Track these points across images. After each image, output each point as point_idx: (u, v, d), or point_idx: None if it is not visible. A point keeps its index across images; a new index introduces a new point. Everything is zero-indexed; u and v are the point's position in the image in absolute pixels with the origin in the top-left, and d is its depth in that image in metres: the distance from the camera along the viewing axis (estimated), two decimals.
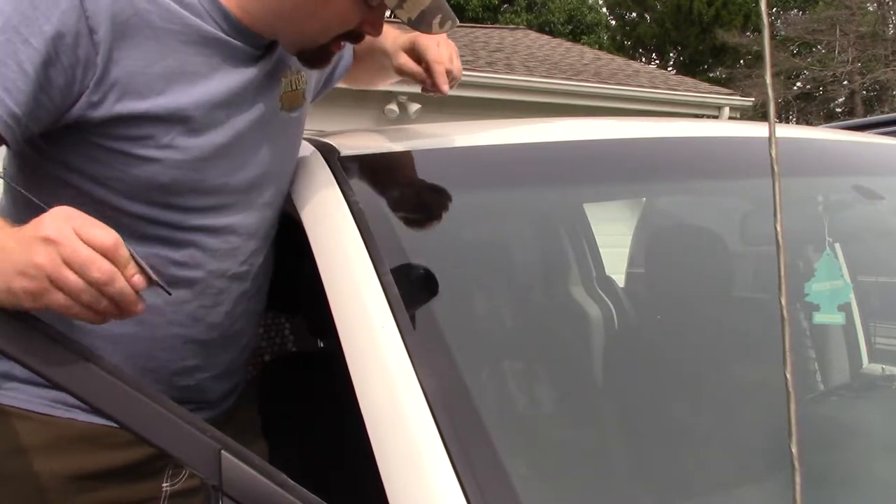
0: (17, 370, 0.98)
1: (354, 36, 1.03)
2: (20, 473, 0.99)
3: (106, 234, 0.73)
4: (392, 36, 1.22)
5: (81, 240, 0.72)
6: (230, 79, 0.98)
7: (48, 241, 0.71)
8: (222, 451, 0.60)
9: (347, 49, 1.28)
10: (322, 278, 0.93)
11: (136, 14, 0.90)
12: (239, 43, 0.99)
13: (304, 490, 0.62)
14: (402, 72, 1.21)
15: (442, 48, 1.18)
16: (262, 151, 1.05)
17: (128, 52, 0.90)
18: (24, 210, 0.94)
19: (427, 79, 1.18)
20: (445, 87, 1.17)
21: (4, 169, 1.02)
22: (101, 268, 0.71)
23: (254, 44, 1.01)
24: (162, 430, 0.59)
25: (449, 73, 1.17)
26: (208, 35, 0.96)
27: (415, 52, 1.19)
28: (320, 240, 0.99)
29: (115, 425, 0.70)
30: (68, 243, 0.71)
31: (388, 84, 1.40)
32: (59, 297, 0.72)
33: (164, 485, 1.07)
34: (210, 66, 0.97)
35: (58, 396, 0.98)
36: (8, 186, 1.02)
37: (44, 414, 0.99)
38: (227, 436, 0.63)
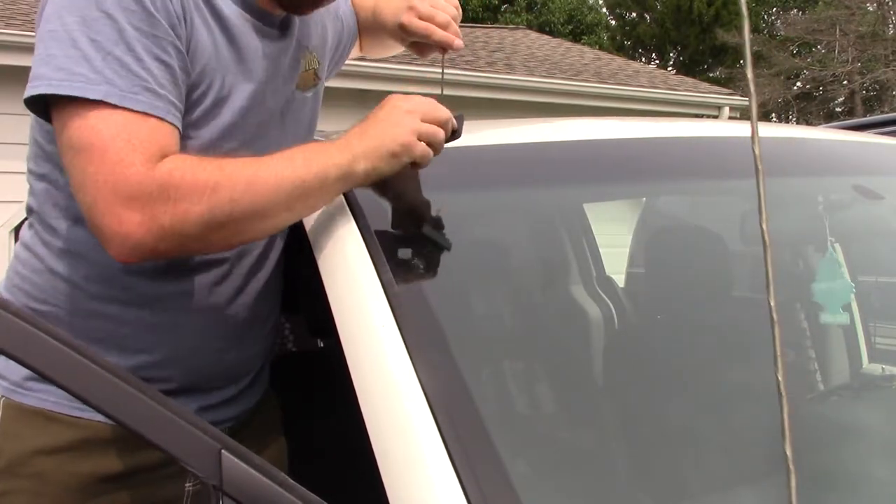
0: None
1: None
2: (50, 474, 0.99)
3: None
4: (391, 8, 1.22)
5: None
6: (259, 57, 1.01)
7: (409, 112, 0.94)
8: (222, 451, 0.60)
9: (349, 17, 1.29)
10: (322, 278, 0.94)
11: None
12: (259, 23, 1.01)
13: (305, 490, 0.62)
14: (407, 31, 1.18)
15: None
16: (286, 130, 1.08)
17: (188, 32, 0.92)
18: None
19: (435, 33, 1.15)
20: (458, 41, 1.14)
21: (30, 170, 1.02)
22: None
23: (270, 23, 1.03)
24: (162, 429, 0.59)
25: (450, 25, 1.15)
26: (232, 14, 0.98)
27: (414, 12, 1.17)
28: (320, 239, 0.99)
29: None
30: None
31: (400, 50, 1.35)
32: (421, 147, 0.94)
33: (187, 485, 1.07)
34: (243, 47, 0.99)
35: None
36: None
37: (72, 416, 0.99)
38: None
